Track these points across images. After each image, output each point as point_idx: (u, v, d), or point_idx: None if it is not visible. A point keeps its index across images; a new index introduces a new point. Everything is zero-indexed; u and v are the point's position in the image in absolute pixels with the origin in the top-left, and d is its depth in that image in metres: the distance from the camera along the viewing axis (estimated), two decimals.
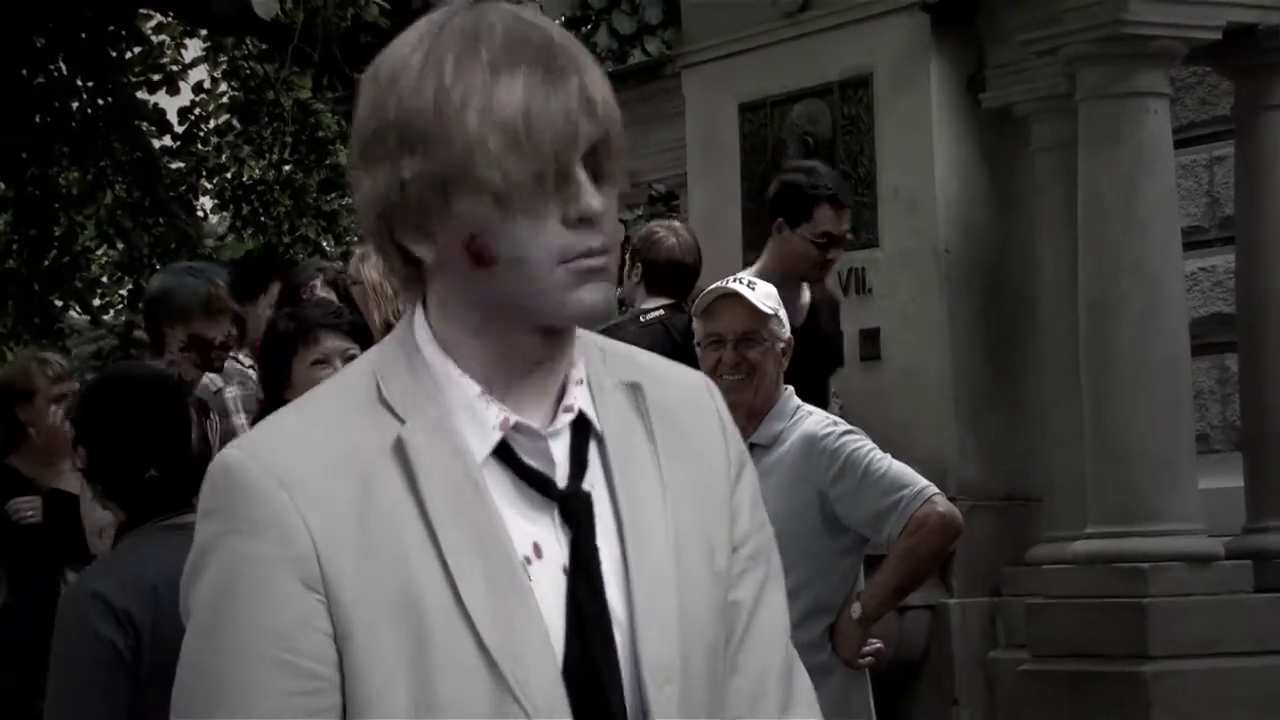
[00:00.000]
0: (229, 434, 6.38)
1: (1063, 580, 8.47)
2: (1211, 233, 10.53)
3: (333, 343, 5.28)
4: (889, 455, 5.31)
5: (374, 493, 2.02)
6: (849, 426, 5.42)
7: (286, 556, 1.98)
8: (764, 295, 5.34)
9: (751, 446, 5.28)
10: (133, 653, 4.14)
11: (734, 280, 5.53)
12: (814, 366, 6.54)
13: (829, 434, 5.29)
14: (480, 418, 2.07)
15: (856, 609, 5.28)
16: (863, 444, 5.30)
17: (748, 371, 5.30)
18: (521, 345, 2.09)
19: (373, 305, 6.51)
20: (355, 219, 18.58)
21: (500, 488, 2.06)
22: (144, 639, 4.14)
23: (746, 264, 7.69)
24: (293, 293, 7.52)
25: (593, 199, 2.05)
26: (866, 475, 5.21)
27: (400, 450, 2.03)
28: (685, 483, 2.14)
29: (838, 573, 5.30)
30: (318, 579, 1.99)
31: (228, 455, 2.03)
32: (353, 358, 5.20)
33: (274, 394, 5.40)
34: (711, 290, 5.46)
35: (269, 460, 2.02)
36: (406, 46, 2.07)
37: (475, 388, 2.08)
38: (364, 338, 5.38)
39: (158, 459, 4.36)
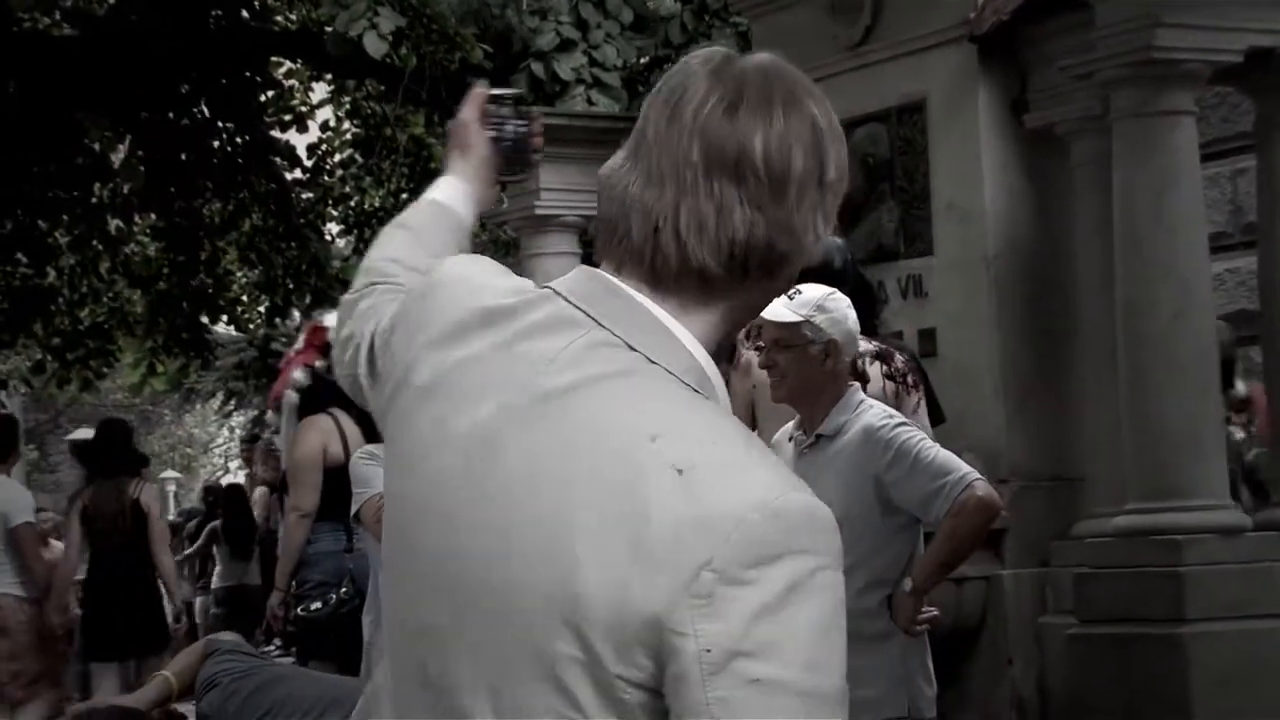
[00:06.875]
0: None
1: (1105, 552, 8.42)
2: (1235, 237, 10.47)
3: None
4: (937, 445, 5.31)
5: None
6: (903, 419, 5.41)
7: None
8: (798, 304, 5.31)
9: (818, 437, 5.32)
10: None
11: None
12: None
13: (884, 425, 5.28)
14: None
15: (908, 582, 5.27)
16: (914, 434, 5.29)
17: (779, 374, 5.33)
18: None
19: None
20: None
21: None
22: None
23: None
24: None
25: None
26: (916, 462, 5.20)
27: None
28: None
29: (893, 549, 5.28)
30: None
31: (797, 497, 1.88)
32: None
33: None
34: None
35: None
36: (810, 98, 2.12)
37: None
38: None
39: None
